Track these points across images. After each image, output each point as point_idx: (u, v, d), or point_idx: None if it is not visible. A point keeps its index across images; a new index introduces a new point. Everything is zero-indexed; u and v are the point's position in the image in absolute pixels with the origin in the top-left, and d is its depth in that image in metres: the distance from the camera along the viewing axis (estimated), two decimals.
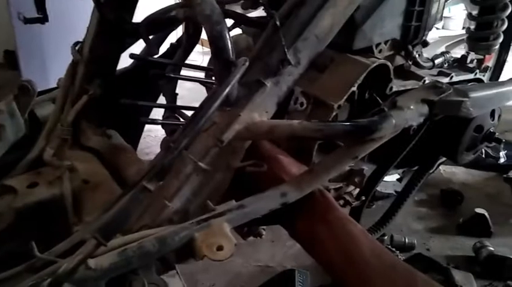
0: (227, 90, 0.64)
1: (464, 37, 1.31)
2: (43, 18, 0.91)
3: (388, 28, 0.97)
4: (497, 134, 1.19)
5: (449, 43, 1.67)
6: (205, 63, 3.06)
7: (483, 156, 1.83)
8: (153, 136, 2.20)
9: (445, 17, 4.74)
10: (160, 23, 1.02)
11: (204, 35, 0.88)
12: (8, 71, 3.26)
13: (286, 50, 0.72)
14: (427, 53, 1.24)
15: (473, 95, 0.81)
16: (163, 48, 1.23)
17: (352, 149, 0.72)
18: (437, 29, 4.60)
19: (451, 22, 4.85)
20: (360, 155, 0.72)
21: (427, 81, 1.08)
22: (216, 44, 0.68)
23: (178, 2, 0.99)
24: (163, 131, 1.91)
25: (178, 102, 1.11)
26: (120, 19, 0.95)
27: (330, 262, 0.68)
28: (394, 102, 0.75)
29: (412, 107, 0.75)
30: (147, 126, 1.43)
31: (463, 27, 1.26)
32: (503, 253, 1.39)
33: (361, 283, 0.64)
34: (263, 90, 0.73)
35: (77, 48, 1.00)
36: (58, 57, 2.58)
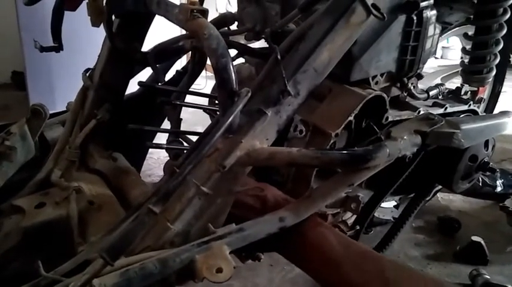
0: (230, 119, 0.67)
1: (459, 69, 1.37)
2: (58, 47, 0.96)
3: (384, 62, 1.02)
4: (494, 163, 1.23)
5: (446, 74, 1.72)
6: (208, 87, 3.12)
7: (480, 184, 1.86)
8: (155, 158, 2.23)
9: (443, 47, 4.86)
10: (167, 52, 1.07)
11: (208, 62, 0.93)
12: (15, 91, 3.33)
13: (286, 81, 0.76)
14: (425, 82, 1.29)
15: (464, 127, 0.85)
16: (170, 74, 1.29)
17: (348, 176, 0.75)
18: (436, 58, 4.70)
19: (449, 52, 4.95)
20: (356, 183, 0.75)
21: (421, 112, 1.12)
22: (221, 75, 0.72)
23: (184, 33, 1.04)
24: (165, 154, 1.94)
25: (182, 125, 1.15)
26: (130, 48, 1.01)
27: (310, 266, 0.74)
28: (388, 132, 0.79)
29: (405, 137, 0.79)
30: (149, 150, 1.46)
31: (461, 57, 1.32)
32: (499, 282, 1.39)
33: (333, 272, 0.69)
34: (264, 119, 0.76)
35: (87, 74, 1.05)
36: (65, 79, 2.65)
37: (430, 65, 1.22)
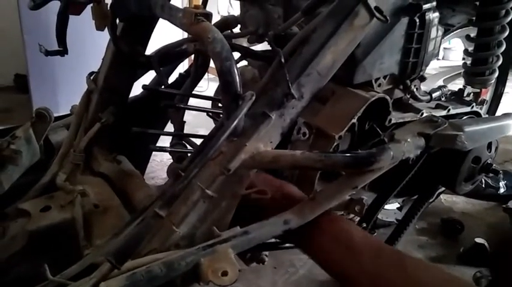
0: (235, 123, 0.67)
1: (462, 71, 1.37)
2: (63, 51, 0.97)
3: (386, 64, 1.02)
4: (497, 164, 1.23)
5: (448, 76, 1.73)
6: (210, 89, 3.12)
7: (483, 186, 1.86)
8: (158, 161, 2.23)
9: (445, 48, 4.85)
10: (171, 55, 1.08)
11: (211, 64, 0.94)
12: (18, 94, 3.34)
13: (290, 84, 0.76)
14: (428, 83, 1.29)
15: (467, 129, 0.85)
16: (173, 77, 1.29)
17: (352, 179, 0.75)
18: (437, 59, 4.70)
19: (451, 53, 4.95)
20: (360, 186, 0.76)
21: (425, 114, 1.12)
22: (225, 78, 0.72)
23: (187, 36, 1.05)
24: (168, 156, 1.94)
25: (185, 127, 1.16)
26: (134, 52, 1.01)
27: (329, 258, 0.74)
28: (391, 135, 0.79)
29: (409, 140, 0.79)
30: (153, 152, 1.47)
31: (463, 58, 1.32)
32: None
33: (352, 263, 0.70)
34: (268, 122, 0.77)
35: (91, 78, 1.06)
36: (68, 82, 2.66)
37: (431, 66, 1.22)
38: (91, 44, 1.98)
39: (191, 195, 0.73)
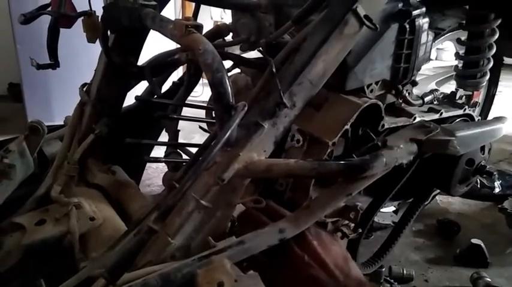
0: (228, 133, 0.68)
1: (454, 73, 1.38)
2: (54, 64, 0.97)
3: (378, 70, 1.02)
4: (492, 163, 1.24)
5: (440, 79, 1.74)
6: (205, 95, 3.11)
7: (478, 186, 1.87)
8: (154, 168, 2.23)
9: (438, 49, 4.89)
10: (163, 65, 1.08)
11: None
12: (12, 103, 3.33)
13: (282, 94, 0.76)
14: (420, 86, 1.30)
15: (459, 134, 0.85)
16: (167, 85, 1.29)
17: (346, 186, 0.76)
18: (430, 60, 4.72)
19: (444, 53, 4.99)
20: (354, 193, 0.76)
21: (417, 118, 1.13)
22: (217, 89, 0.72)
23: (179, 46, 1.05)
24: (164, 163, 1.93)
25: (179, 134, 1.15)
26: (126, 62, 1.01)
27: None
28: (384, 141, 0.80)
29: (401, 146, 0.79)
30: None
31: (456, 59, 1.34)
32: (499, 284, 1.41)
33: None
34: (261, 131, 0.77)
35: (84, 89, 1.06)
36: (62, 91, 2.66)
37: (425, 67, 1.22)
38: (84, 52, 1.99)
39: (186, 206, 0.74)
